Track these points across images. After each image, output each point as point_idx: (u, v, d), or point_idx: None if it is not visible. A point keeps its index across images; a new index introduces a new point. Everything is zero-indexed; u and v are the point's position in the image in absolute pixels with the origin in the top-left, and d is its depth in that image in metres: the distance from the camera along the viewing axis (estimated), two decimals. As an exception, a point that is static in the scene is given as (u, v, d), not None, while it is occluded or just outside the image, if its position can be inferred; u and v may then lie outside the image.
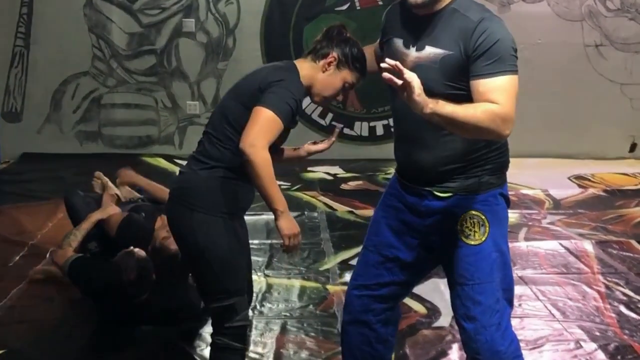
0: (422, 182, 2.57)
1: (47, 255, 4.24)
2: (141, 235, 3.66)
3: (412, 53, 2.48)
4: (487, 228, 2.53)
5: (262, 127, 2.55)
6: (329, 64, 2.73)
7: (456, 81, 2.40)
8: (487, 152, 2.51)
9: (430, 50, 2.43)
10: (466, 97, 2.38)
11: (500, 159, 2.56)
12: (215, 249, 2.69)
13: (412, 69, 2.42)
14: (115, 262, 3.54)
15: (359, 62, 2.76)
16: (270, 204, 2.59)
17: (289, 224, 2.60)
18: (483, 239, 2.53)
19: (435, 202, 2.56)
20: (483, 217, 2.53)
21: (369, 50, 2.84)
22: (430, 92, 2.36)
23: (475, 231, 2.53)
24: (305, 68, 2.74)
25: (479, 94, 2.35)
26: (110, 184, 4.25)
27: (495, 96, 2.32)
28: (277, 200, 2.58)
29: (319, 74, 2.74)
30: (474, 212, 2.53)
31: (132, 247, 3.57)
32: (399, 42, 2.53)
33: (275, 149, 2.71)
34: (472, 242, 2.54)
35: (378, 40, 2.78)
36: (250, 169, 2.55)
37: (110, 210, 3.89)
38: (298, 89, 2.66)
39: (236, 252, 2.75)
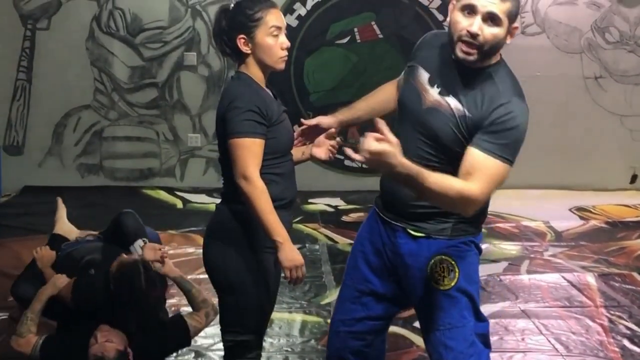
0: (398, 216, 2.57)
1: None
2: (96, 292, 3.38)
3: (434, 93, 2.45)
4: (457, 273, 2.52)
5: (242, 157, 2.55)
6: (245, 45, 2.63)
7: (466, 141, 2.39)
8: None
9: (452, 102, 2.41)
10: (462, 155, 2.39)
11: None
12: (243, 286, 2.68)
13: (429, 108, 2.43)
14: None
15: (250, 10, 2.61)
16: (269, 236, 2.57)
17: (289, 255, 2.58)
18: (452, 284, 2.52)
19: (408, 241, 2.55)
20: (453, 262, 2.51)
21: (389, 87, 2.81)
22: (438, 140, 2.39)
23: (444, 276, 2.52)
24: (246, 67, 2.67)
25: (467, 162, 2.34)
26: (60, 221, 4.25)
27: (478, 176, 2.31)
28: (275, 231, 2.55)
29: (254, 59, 2.65)
30: (444, 257, 2.52)
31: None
32: (424, 75, 2.50)
33: (288, 149, 2.72)
34: (442, 287, 2.53)
35: (402, 74, 2.72)
36: (246, 202, 2.55)
37: (58, 284, 3.55)
38: (248, 97, 2.60)
39: (263, 291, 2.73)
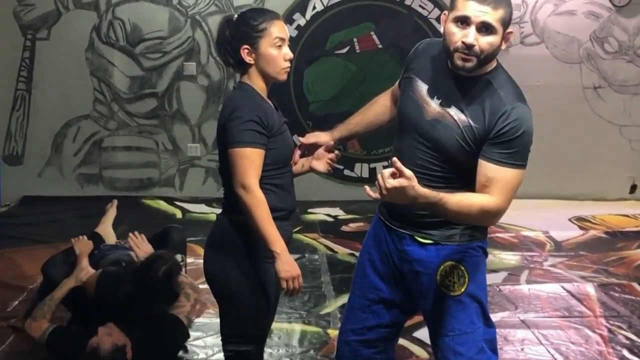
0: (405, 223, 2.56)
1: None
2: (120, 284, 3.41)
3: (435, 106, 2.45)
4: (467, 279, 2.53)
5: (241, 167, 2.55)
6: (248, 56, 2.64)
7: (471, 151, 2.41)
8: None
9: (455, 113, 2.41)
10: (471, 165, 2.40)
11: None
12: (243, 295, 2.68)
13: (432, 120, 2.44)
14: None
15: (254, 21, 2.63)
16: (266, 245, 2.57)
17: (286, 266, 2.57)
18: (462, 290, 2.53)
19: (416, 248, 2.55)
20: (463, 269, 2.53)
21: (384, 99, 2.82)
22: (443, 151, 2.40)
23: (454, 282, 2.53)
24: (249, 78, 2.68)
25: (482, 175, 2.37)
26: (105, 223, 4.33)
27: (496, 188, 2.35)
28: (272, 242, 2.55)
29: (256, 69, 2.66)
30: (453, 263, 2.52)
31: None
32: (422, 87, 2.50)
33: (288, 160, 2.72)
34: (452, 293, 2.54)
35: (397, 82, 2.73)
36: (245, 211, 2.55)
37: (83, 276, 3.63)
38: (250, 107, 2.60)
39: (264, 301, 2.73)
